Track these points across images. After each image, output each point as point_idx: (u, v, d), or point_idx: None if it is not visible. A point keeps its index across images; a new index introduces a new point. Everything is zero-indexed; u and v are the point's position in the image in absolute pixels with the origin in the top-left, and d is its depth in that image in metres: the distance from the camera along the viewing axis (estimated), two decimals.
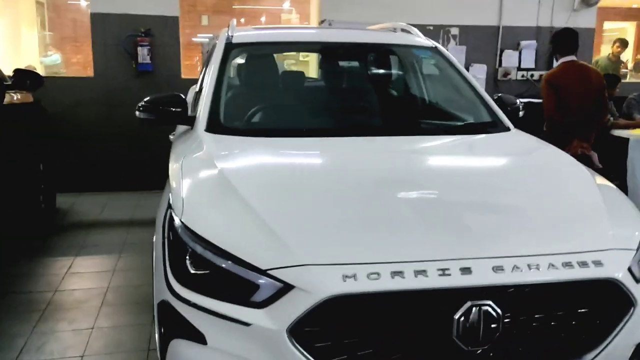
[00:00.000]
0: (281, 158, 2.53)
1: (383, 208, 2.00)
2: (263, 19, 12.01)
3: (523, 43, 7.19)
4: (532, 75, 7.28)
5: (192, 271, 1.87)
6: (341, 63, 3.48)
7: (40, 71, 9.47)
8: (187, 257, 1.89)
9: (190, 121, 2.90)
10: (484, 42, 7.13)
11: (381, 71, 3.52)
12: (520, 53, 7.20)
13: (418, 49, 3.45)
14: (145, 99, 2.98)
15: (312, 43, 3.48)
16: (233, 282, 1.78)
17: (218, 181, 2.18)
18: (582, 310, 1.83)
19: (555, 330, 1.80)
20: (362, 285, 1.66)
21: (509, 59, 7.12)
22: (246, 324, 1.72)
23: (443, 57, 3.35)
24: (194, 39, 11.29)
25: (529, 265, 1.75)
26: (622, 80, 7.35)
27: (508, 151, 2.77)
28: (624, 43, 8.73)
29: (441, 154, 2.72)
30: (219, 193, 2.11)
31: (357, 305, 1.69)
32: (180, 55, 6.58)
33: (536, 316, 1.78)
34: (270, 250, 1.78)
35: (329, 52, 3.44)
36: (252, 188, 2.10)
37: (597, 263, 1.81)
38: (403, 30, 3.67)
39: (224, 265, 1.80)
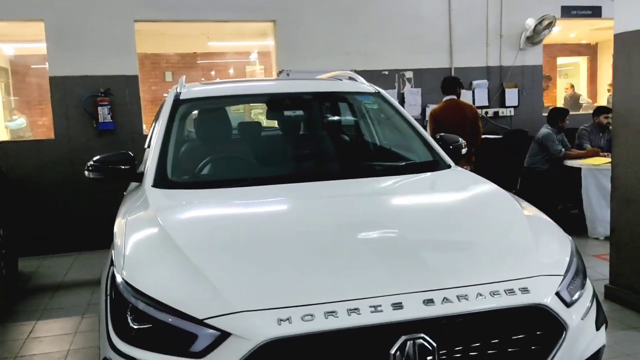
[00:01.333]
0: (223, 208, 2.59)
1: (316, 251, 2.07)
2: (231, 71, 12.23)
3: (475, 82, 7.46)
4: (486, 113, 7.52)
5: (134, 326, 1.89)
6: (288, 112, 3.59)
7: (6, 136, 9.48)
8: (128, 313, 1.92)
9: (139, 177, 2.95)
10: (438, 83, 7.37)
11: (328, 118, 3.64)
12: (473, 92, 7.46)
13: (362, 95, 3.58)
14: (94, 159, 3.03)
15: (259, 95, 3.59)
16: (173, 334, 1.81)
17: (159, 237, 2.23)
18: (517, 337, 1.89)
19: (493, 358, 1.85)
20: (297, 327, 1.71)
21: (463, 98, 7.34)
22: None
23: (386, 101, 3.48)
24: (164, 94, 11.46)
25: (458, 297, 1.82)
26: (579, 112, 7.61)
27: (446, 189, 2.88)
28: (572, 86, 11.46)
29: (384, 194, 2.81)
30: (159, 248, 2.15)
31: (295, 348, 1.73)
32: (142, 113, 6.67)
33: (472, 346, 1.84)
34: (207, 300, 1.82)
35: (275, 103, 3.56)
36: (191, 241, 2.15)
37: (524, 290, 1.89)
38: (350, 78, 3.81)
39: (163, 318, 1.83)
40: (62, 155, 6.38)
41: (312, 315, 1.73)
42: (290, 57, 6.88)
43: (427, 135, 3.28)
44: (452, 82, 6.18)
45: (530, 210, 2.50)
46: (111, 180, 3.01)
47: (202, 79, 11.51)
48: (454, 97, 6.09)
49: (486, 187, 2.75)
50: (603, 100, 12.54)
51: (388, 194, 2.80)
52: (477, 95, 7.46)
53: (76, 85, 6.31)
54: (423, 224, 2.35)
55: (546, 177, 6.41)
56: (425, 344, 1.75)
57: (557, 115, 6.62)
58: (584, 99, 12.39)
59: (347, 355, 1.75)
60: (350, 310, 1.75)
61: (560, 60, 14.41)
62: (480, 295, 1.84)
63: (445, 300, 1.81)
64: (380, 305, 1.77)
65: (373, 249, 2.08)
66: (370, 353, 1.76)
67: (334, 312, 1.74)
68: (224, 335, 1.73)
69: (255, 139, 3.37)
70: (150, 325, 1.86)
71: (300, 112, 3.62)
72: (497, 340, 1.86)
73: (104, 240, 6.25)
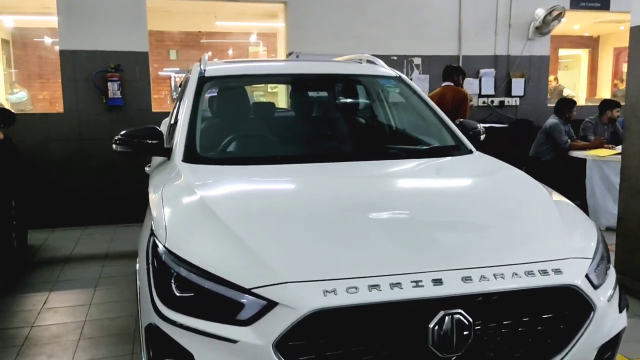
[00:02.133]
0: (258, 184, 2.64)
1: (357, 227, 2.13)
2: (230, 52, 12.20)
3: (482, 71, 7.51)
4: (492, 102, 7.59)
5: (178, 294, 1.95)
6: (311, 93, 3.63)
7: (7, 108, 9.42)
8: (172, 281, 1.97)
9: (167, 153, 2.99)
10: None
11: (349, 100, 3.68)
12: (480, 81, 7.51)
13: (383, 79, 3.63)
14: (122, 133, 3.06)
15: (282, 75, 3.62)
16: (218, 302, 1.87)
17: (198, 208, 2.28)
18: (547, 316, 1.96)
19: (523, 335, 1.93)
20: (342, 299, 1.77)
21: (470, 86, 7.41)
22: (233, 341, 1.80)
23: (407, 85, 3.53)
24: (160, 73, 11.41)
25: (494, 275, 1.89)
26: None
27: (472, 173, 2.94)
28: (556, 78, 12.18)
29: (410, 176, 2.87)
30: (200, 219, 2.21)
31: (338, 319, 1.79)
32: (151, 90, 6.67)
33: (504, 323, 1.91)
34: (254, 270, 1.88)
35: (299, 83, 3.60)
36: (231, 213, 2.20)
37: (557, 271, 1.96)
38: (368, 61, 3.85)
39: (209, 287, 1.89)
40: (71, 130, 6.38)
41: (356, 288, 1.79)
42: (299, 39, 6.89)
43: (449, 120, 3.34)
44: (450, 70, 6.52)
45: (556, 195, 2.57)
46: (138, 155, 3.05)
47: (216, 59, 11.48)
48: (451, 84, 6.43)
49: (513, 172, 2.82)
50: (604, 93, 12.66)
51: (419, 176, 2.87)
52: (483, 84, 7.51)
53: (86, 60, 6.30)
54: (457, 206, 2.41)
55: (551, 167, 6.50)
56: (463, 319, 1.83)
57: (565, 106, 6.70)
58: (567, 91, 12.53)
59: (388, 328, 1.82)
60: (393, 284, 1.81)
61: (562, 52, 14.46)
62: (516, 274, 1.91)
63: (483, 278, 1.88)
64: (421, 281, 1.84)
65: (412, 227, 2.15)
66: (410, 327, 1.82)
67: (377, 285, 1.81)
68: (270, 305, 1.79)
69: (280, 118, 3.42)
70: (196, 293, 1.92)
71: (324, 94, 3.67)
72: (528, 318, 1.94)
73: (111, 215, 6.35)
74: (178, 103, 3.92)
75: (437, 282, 1.84)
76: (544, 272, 1.94)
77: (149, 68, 6.64)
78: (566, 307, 1.98)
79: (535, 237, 2.19)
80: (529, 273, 1.92)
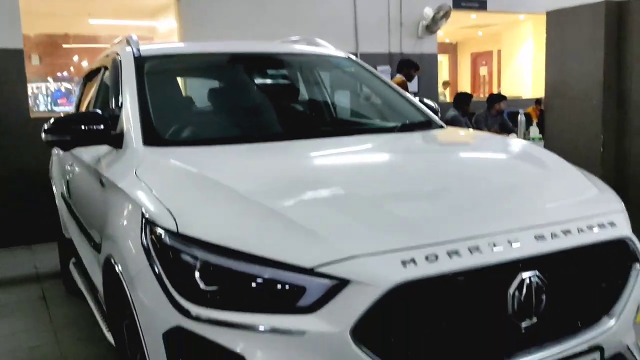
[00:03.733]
0: (255, 160, 2.28)
1: (402, 194, 1.90)
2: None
3: (379, 68, 7.59)
4: None
5: (206, 287, 1.58)
6: (262, 73, 3.33)
7: None
8: (197, 272, 1.59)
9: (116, 140, 2.52)
10: None
11: (312, 79, 3.43)
12: None
13: (336, 59, 3.42)
14: (55, 119, 2.56)
15: (225, 54, 3.27)
16: (269, 289, 1.54)
17: (205, 184, 1.91)
18: (603, 269, 1.88)
19: (587, 290, 1.83)
20: (424, 269, 1.53)
21: None
22: (299, 333, 1.48)
23: (361, 65, 3.37)
24: None
25: (563, 232, 1.76)
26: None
27: (475, 142, 2.89)
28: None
29: (421, 147, 2.74)
30: (212, 195, 1.83)
31: (419, 291, 1.54)
32: (28, 93, 5.86)
33: (568, 278, 1.79)
34: (309, 245, 1.57)
35: (242, 63, 3.26)
36: (251, 187, 1.85)
37: (612, 224, 1.88)
38: (313, 44, 3.62)
39: (254, 272, 1.55)
40: None
41: (435, 256, 1.56)
42: (195, 38, 6.47)
43: (411, 97, 3.22)
44: (401, 63, 6.89)
45: None
46: (78, 143, 2.55)
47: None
48: (401, 76, 6.68)
49: (515, 141, 2.80)
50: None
51: (431, 147, 2.79)
52: None
53: None
54: (488, 171, 2.27)
55: None
56: (539, 281, 1.67)
57: (463, 100, 6.99)
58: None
59: (470, 296, 1.61)
60: (472, 248, 1.61)
61: None
62: (581, 230, 1.80)
63: (554, 235, 1.74)
64: (497, 243, 1.65)
65: (464, 193, 1.94)
66: (490, 293, 1.63)
67: (456, 251, 1.59)
68: (341, 284, 1.50)
69: (241, 97, 3.06)
70: (235, 283, 1.56)
71: (275, 72, 3.38)
72: (589, 274, 1.84)
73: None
74: (100, 92, 3.44)
75: (514, 243, 1.67)
76: (601, 226, 1.85)
77: (25, 68, 5.82)
78: (618, 260, 1.91)
79: (579, 193, 2.10)
80: (590, 227, 1.82)
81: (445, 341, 1.58)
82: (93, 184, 2.62)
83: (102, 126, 2.52)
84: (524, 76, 11.29)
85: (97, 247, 2.61)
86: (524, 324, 1.66)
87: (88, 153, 2.81)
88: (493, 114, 7.38)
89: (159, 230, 1.73)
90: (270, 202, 1.74)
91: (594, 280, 1.87)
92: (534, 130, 6.49)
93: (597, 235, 1.82)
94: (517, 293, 1.63)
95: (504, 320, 1.64)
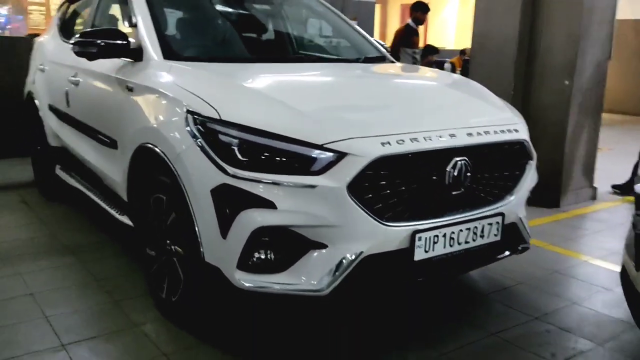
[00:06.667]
0: (267, 75, 2.97)
1: (380, 100, 2.73)
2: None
3: None
4: (331, 42, 8.35)
5: (241, 157, 2.25)
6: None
7: None
8: (236, 147, 2.27)
9: (135, 54, 3.07)
10: None
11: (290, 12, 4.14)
12: None
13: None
14: (80, 34, 3.10)
15: None
16: (291, 158, 2.24)
17: (233, 85, 2.64)
18: (508, 162, 2.72)
19: (497, 175, 2.66)
20: (395, 148, 2.28)
21: None
22: (312, 186, 2.20)
23: (323, 4, 4.09)
24: None
25: (484, 132, 2.57)
26: None
27: (428, 74, 3.69)
28: None
29: (382, 74, 3.55)
30: (242, 94, 2.56)
31: (391, 163, 2.29)
32: None
33: (486, 167, 2.61)
34: (319, 130, 2.28)
35: None
36: (273, 90, 2.60)
37: (516, 130, 2.73)
38: None
39: (281, 147, 2.24)
40: None
41: (403, 141, 2.32)
42: None
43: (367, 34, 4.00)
44: (412, 6, 7.47)
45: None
46: (103, 55, 3.07)
47: None
48: (409, 20, 7.46)
49: (451, 74, 3.61)
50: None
51: (391, 74, 3.57)
52: (323, 27, 8.22)
53: None
54: (443, 91, 3.17)
55: None
56: (466, 164, 2.47)
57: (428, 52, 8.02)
58: None
59: (422, 170, 2.38)
60: (426, 137, 2.38)
61: None
62: (496, 132, 2.62)
63: (478, 133, 2.54)
64: (442, 135, 2.43)
65: (421, 102, 2.82)
66: (435, 169, 2.42)
67: (416, 138, 2.35)
68: (340, 156, 2.22)
69: (243, 19, 3.78)
70: (266, 155, 2.25)
71: (270, 8, 4.07)
72: (499, 166, 2.68)
73: None
74: (99, 12, 3.91)
75: (453, 136, 2.46)
76: (510, 131, 2.69)
77: None
78: (518, 158, 2.76)
79: (496, 109, 2.95)
80: (502, 131, 2.65)
81: (404, 199, 2.35)
82: (114, 90, 3.15)
83: (123, 41, 3.06)
84: (448, 29, 12.24)
85: (113, 144, 3.18)
86: (454, 192, 2.47)
87: (103, 65, 3.30)
88: (425, 63, 8.26)
89: (202, 118, 2.37)
90: (288, 100, 2.45)
91: (502, 169, 2.70)
92: None
93: (506, 136, 2.66)
94: (451, 170, 2.43)
95: (442, 189, 2.44)
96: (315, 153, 2.23)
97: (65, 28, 4.53)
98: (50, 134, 4.38)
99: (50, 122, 4.35)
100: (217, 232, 2.29)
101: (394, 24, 16.45)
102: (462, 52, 9.55)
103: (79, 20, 4.59)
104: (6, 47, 5.91)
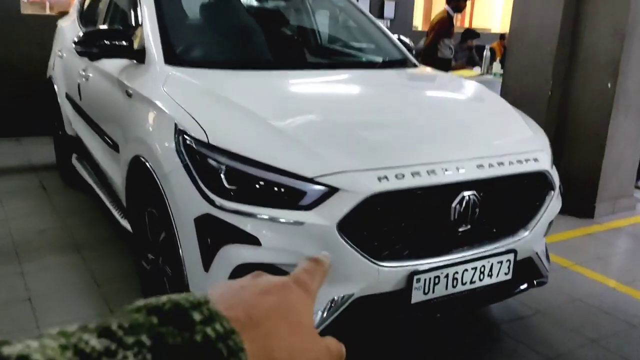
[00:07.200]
0: (267, 87, 2.78)
1: (383, 125, 2.45)
2: None
3: None
4: None
5: (229, 186, 2.10)
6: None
7: None
8: (222, 175, 2.11)
9: (138, 55, 2.94)
10: None
11: (305, 15, 3.90)
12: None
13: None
14: (83, 33, 2.97)
15: None
16: (280, 191, 2.08)
17: (227, 104, 2.42)
18: (526, 193, 2.48)
19: (511, 208, 2.43)
20: (393, 184, 2.09)
21: None
22: (300, 223, 2.04)
23: (352, 4, 3.81)
24: None
25: (497, 163, 2.34)
26: None
27: (441, 84, 3.46)
28: None
29: (394, 84, 3.28)
30: (234, 114, 2.35)
31: (389, 200, 2.11)
32: None
33: (498, 200, 2.38)
34: (311, 161, 2.10)
35: None
36: (265, 110, 2.37)
37: (536, 160, 2.47)
38: None
39: (269, 178, 2.08)
40: None
41: (403, 175, 2.12)
42: None
43: (393, 36, 3.71)
44: None
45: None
46: (104, 55, 2.96)
47: None
48: (446, 7, 7.01)
49: (471, 83, 3.32)
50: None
51: (404, 84, 3.34)
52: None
53: None
54: (450, 109, 2.83)
55: None
56: (475, 198, 2.26)
57: (468, 36, 7.63)
58: None
59: (424, 206, 2.19)
60: (430, 171, 2.17)
61: None
62: (511, 162, 2.38)
63: (490, 165, 2.31)
64: (448, 168, 2.22)
65: (424, 124, 2.53)
66: (439, 205, 2.21)
67: (418, 172, 2.15)
68: (332, 191, 2.04)
69: (251, 25, 3.55)
70: (253, 185, 2.09)
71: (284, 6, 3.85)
72: (514, 196, 2.44)
73: None
74: (111, 6, 3.78)
75: (461, 169, 2.24)
76: (528, 161, 2.44)
77: None
78: (538, 188, 2.52)
79: (515, 133, 2.68)
80: (519, 161, 2.41)
81: (403, 238, 2.17)
82: (116, 93, 3.04)
83: (125, 42, 2.92)
84: (495, 9, 11.67)
85: (115, 147, 3.08)
86: (460, 229, 2.26)
87: (109, 63, 3.19)
88: (464, 48, 7.88)
89: (191, 140, 2.22)
90: (281, 123, 2.26)
91: (517, 200, 2.47)
92: (497, 67, 7.00)
93: (524, 167, 2.41)
94: (458, 206, 2.22)
95: (446, 225, 2.23)
96: (305, 186, 2.06)
97: (85, 15, 4.43)
98: (67, 122, 4.34)
99: (67, 110, 4.30)
100: (200, 264, 2.16)
101: (440, 3, 15.82)
102: (502, 36, 9.00)
103: (100, 6, 4.48)
104: (38, 25, 5.91)
